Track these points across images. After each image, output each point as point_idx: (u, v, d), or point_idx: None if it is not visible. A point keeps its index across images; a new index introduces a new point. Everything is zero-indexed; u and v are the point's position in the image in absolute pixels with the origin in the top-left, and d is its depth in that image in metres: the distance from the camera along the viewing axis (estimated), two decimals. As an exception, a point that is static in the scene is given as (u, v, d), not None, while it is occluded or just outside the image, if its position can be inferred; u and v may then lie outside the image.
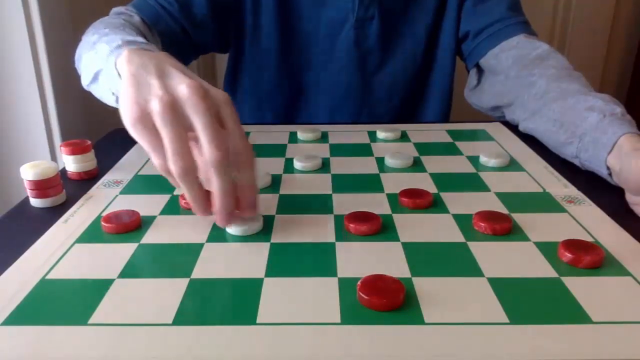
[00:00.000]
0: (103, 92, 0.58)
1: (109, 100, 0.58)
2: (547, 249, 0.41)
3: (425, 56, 0.82)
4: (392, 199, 0.50)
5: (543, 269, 0.38)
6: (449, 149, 0.64)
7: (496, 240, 0.42)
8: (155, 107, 0.38)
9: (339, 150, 0.64)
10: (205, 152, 0.38)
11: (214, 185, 0.39)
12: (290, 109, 0.84)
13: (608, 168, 0.51)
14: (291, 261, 0.39)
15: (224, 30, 0.79)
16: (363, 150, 0.64)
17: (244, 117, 0.85)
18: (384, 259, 0.40)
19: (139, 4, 0.71)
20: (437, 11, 0.80)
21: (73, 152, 0.55)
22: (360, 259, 0.40)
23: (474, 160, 0.60)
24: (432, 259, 0.40)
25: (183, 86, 0.39)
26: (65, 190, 0.51)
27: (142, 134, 0.39)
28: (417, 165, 0.59)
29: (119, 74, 0.47)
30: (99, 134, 0.73)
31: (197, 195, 0.40)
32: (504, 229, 0.43)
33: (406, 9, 0.79)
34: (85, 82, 0.61)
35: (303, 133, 0.68)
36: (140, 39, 0.54)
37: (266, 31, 0.78)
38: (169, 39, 0.72)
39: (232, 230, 0.43)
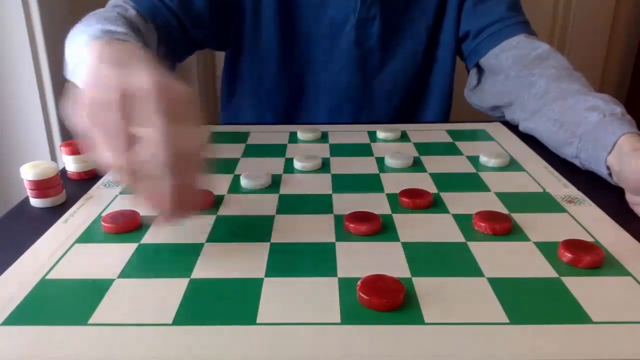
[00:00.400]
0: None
1: None
2: (547, 249, 0.41)
3: (425, 56, 0.82)
4: (392, 199, 0.50)
5: (543, 269, 0.38)
6: (449, 149, 0.64)
7: (496, 240, 0.42)
8: (111, 97, 0.36)
9: (339, 150, 0.64)
10: (154, 152, 0.35)
11: (160, 185, 0.36)
12: (290, 109, 0.84)
13: (608, 168, 0.51)
14: (291, 261, 0.39)
15: (223, 28, 0.79)
16: (363, 150, 0.64)
17: (244, 117, 0.85)
18: (384, 259, 0.40)
19: None
20: (438, 11, 0.80)
21: (73, 152, 0.55)
22: (360, 259, 0.40)
23: (474, 160, 0.60)
24: (432, 259, 0.40)
25: (143, 79, 0.36)
26: (65, 190, 0.51)
27: (92, 123, 0.36)
28: (417, 165, 0.59)
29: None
30: (99, 134, 0.73)
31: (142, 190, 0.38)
32: (504, 229, 0.43)
33: (407, 9, 0.79)
34: (68, 73, 0.57)
35: (303, 133, 0.68)
36: (120, 29, 0.53)
37: (266, 31, 0.78)
38: (165, 33, 0.71)
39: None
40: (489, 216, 0.44)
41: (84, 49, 0.50)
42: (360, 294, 0.34)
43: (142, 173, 0.36)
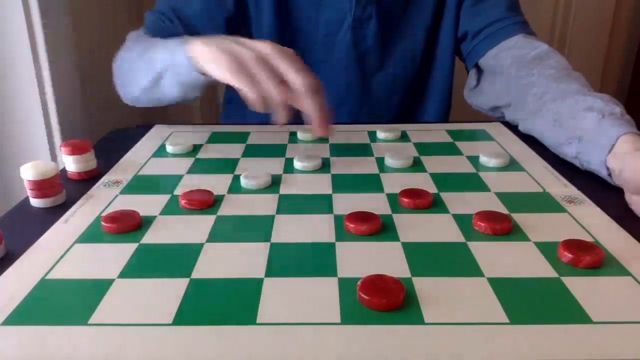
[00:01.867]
0: (167, 89, 0.64)
1: (171, 95, 0.64)
2: (547, 249, 0.41)
3: (424, 56, 0.82)
4: (392, 199, 0.50)
5: (543, 269, 0.38)
6: (449, 149, 0.64)
7: (496, 240, 0.42)
8: (248, 57, 0.52)
9: (339, 150, 0.64)
10: (297, 84, 0.51)
11: (310, 104, 0.52)
12: (289, 106, 0.84)
13: (608, 168, 0.51)
14: (291, 261, 0.39)
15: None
16: (363, 150, 0.64)
17: (244, 118, 0.85)
18: (384, 259, 0.40)
19: (149, 25, 0.75)
20: (436, 11, 0.80)
21: (73, 152, 0.55)
22: (360, 259, 0.40)
23: (474, 160, 0.60)
24: (432, 259, 0.40)
25: (261, 44, 0.53)
26: (65, 190, 0.51)
27: (239, 77, 0.52)
28: (417, 165, 0.59)
29: (189, 61, 0.58)
30: (99, 134, 0.73)
31: (317, 106, 0.52)
32: (504, 229, 0.43)
33: (404, 9, 0.79)
34: (135, 91, 0.69)
35: (303, 133, 0.68)
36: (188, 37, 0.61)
37: (267, 33, 0.78)
38: None
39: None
40: (489, 216, 0.44)
41: (172, 57, 0.61)
42: (360, 294, 0.34)
43: (293, 100, 0.52)
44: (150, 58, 0.64)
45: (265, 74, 0.51)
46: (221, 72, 0.53)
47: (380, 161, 0.60)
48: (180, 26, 0.73)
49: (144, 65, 0.65)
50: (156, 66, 0.63)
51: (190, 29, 0.73)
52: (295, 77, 0.51)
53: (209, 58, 0.55)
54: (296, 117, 0.86)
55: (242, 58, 0.52)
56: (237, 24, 0.77)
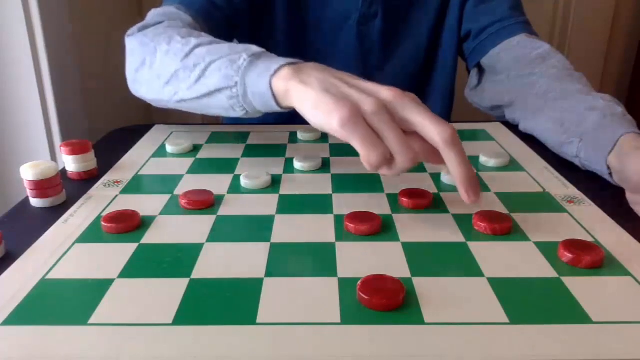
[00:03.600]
0: (218, 105, 0.55)
1: (218, 111, 0.56)
2: (547, 249, 0.41)
3: (427, 55, 0.82)
4: (392, 199, 0.50)
5: (543, 269, 0.38)
6: (449, 149, 0.64)
7: (496, 240, 0.42)
8: (370, 108, 0.41)
9: (339, 150, 0.64)
10: (436, 134, 0.41)
11: (453, 159, 0.42)
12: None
13: (608, 167, 0.51)
14: (291, 261, 0.39)
15: (256, 23, 0.78)
16: (363, 150, 0.64)
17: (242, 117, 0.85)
18: (384, 259, 0.40)
19: (184, 1, 0.68)
20: (440, 11, 0.80)
21: (73, 152, 0.55)
22: (360, 259, 0.40)
23: (474, 160, 0.60)
24: (432, 259, 0.40)
25: (384, 90, 0.43)
26: (65, 190, 0.51)
27: (355, 131, 0.41)
28: (417, 166, 0.59)
29: (272, 92, 0.49)
30: (99, 134, 0.73)
31: (461, 161, 0.42)
32: (504, 228, 0.43)
33: (409, 7, 0.79)
34: (159, 93, 0.59)
35: (303, 133, 0.68)
36: (255, 47, 0.53)
37: (280, 25, 0.78)
38: (216, 33, 0.68)
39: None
40: (489, 216, 0.44)
41: (241, 79, 0.51)
42: (360, 294, 0.34)
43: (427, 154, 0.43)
44: (200, 67, 0.54)
45: (393, 132, 0.41)
46: (332, 123, 0.41)
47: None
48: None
49: (187, 74, 0.55)
50: (209, 81, 0.53)
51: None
52: (433, 129, 0.41)
53: (312, 102, 0.44)
54: (296, 118, 0.86)
55: (362, 108, 0.42)
56: (252, 11, 0.77)
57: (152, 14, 0.67)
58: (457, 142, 0.42)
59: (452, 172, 0.42)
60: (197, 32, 0.61)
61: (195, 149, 0.65)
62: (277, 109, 0.50)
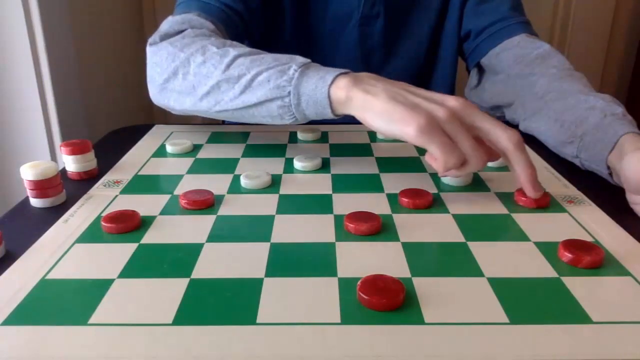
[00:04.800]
0: (264, 114, 0.55)
1: (262, 120, 0.57)
2: (547, 249, 0.41)
3: (428, 55, 0.82)
4: (392, 199, 0.50)
5: (543, 269, 0.38)
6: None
7: (496, 240, 0.42)
8: (443, 116, 0.45)
9: (339, 150, 0.64)
10: (504, 140, 0.46)
11: (522, 161, 0.46)
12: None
13: (608, 167, 0.51)
14: (291, 261, 0.39)
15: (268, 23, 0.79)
16: (363, 150, 0.64)
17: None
18: (384, 259, 0.40)
19: (204, 7, 0.67)
20: (441, 11, 0.80)
21: (73, 152, 0.55)
22: (360, 259, 0.40)
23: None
24: (432, 259, 0.40)
25: (451, 100, 0.47)
26: (65, 190, 0.51)
27: (432, 139, 0.44)
28: (417, 166, 0.59)
29: (330, 100, 0.51)
30: (99, 134, 0.73)
31: (527, 163, 0.47)
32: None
33: (410, 8, 0.79)
34: (197, 105, 0.58)
35: (303, 133, 0.68)
36: (300, 58, 0.55)
37: (288, 29, 0.78)
38: (234, 36, 0.70)
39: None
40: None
41: (293, 89, 0.52)
42: (360, 294, 0.34)
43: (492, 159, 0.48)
44: (246, 78, 0.54)
45: (467, 139, 0.45)
46: (409, 131, 0.45)
47: (380, 161, 0.60)
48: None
49: (231, 85, 0.55)
50: (258, 92, 0.54)
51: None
52: (502, 134, 0.46)
53: (381, 111, 0.47)
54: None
55: (436, 116, 0.45)
56: (265, 14, 0.77)
57: (171, 22, 0.66)
58: (524, 147, 0.47)
59: (520, 173, 0.47)
60: (230, 42, 0.60)
61: (195, 148, 0.65)
62: (331, 116, 0.52)
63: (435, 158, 0.46)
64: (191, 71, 0.58)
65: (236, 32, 0.71)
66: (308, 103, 0.52)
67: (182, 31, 0.64)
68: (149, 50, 0.63)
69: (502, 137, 0.46)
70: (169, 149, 0.63)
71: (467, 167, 0.46)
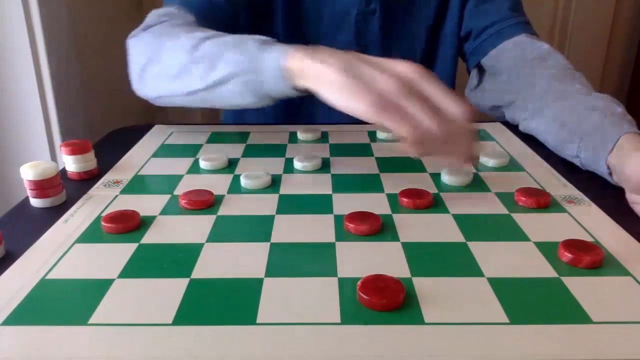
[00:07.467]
0: (229, 95, 0.56)
1: (229, 102, 0.57)
2: (547, 249, 0.41)
3: (426, 55, 0.82)
4: (392, 199, 0.50)
5: (543, 269, 0.38)
6: (449, 149, 0.64)
7: (496, 240, 0.42)
8: (391, 86, 0.43)
9: (339, 150, 0.64)
10: (456, 109, 0.44)
11: (467, 137, 0.45)
12: (289, 107, 0.84)
13: (608, 167, 0.51)
14: (291, 261, 0.39)
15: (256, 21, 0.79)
16: (363, 150, 0.64)
17: (242, 117, 0.85)
18: (384, 259, 0.40)
19: (184, 1, 0.68)
20: (439, 11, 0.80)
21: (73, 152, 0.55)
22: (360, 259, 0.40)
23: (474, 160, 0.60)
24: (432, 259, 0.40)
25: (400, 66, 0.45)
26: (65, 190, 0.51)
27: (385, 111, 0.43)
28: (417, 166, 0.59)
29: (281, 73, 0.51)
30: (99, 134, 0.73)
31: (472, 137, 0.45)
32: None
33: (408, 6, 0.79)
34: (169, 89, 0.60)
35: (303, 133, 0.68)
36: (263, 37, 0.55)
37: (279, 25, 0.78)
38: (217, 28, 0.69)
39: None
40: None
41: (249, 62, 0.52)
42: (360, 294, 0.34)
43: (450, 129, 0.44)
44: (210, 57, 0.55)
45: (419, 105, 0.43)
46: (362, 106, 0.43)
47: (380, 161, 0.60)
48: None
49: (197, 66, 0.56)
50: (220, 69, 0.54)
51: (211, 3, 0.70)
52: (453, 105, 0.44)
53: (336, 85, 0.45)
54: (295, 118, 0.86)
55: (386, 88, 0.43)
56: (251, 10, 0.77)
57: (153, 15, 0.68)
58: (472, 117, 0.45)
59: (459, 143, 0.45)
60: (202, 28, 0.61)
61: (197, 149, 0.64)
62: (290, 92, 0.52)
63: (406, 143, 0.44)
64: (164, 56, 0.59)
65: (219, 30, 0.71)
66: (266, 76, 0.52)
67: (161, 23, 0.65)
68: (129, 42, 0.65)
69: (454, 110, 0.44)
70: (203, 164, 0.58)
71: (431, 135, 0.43)
